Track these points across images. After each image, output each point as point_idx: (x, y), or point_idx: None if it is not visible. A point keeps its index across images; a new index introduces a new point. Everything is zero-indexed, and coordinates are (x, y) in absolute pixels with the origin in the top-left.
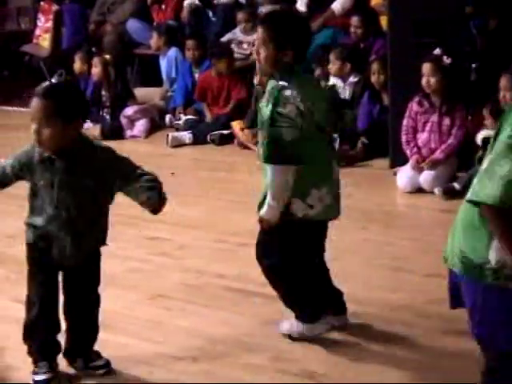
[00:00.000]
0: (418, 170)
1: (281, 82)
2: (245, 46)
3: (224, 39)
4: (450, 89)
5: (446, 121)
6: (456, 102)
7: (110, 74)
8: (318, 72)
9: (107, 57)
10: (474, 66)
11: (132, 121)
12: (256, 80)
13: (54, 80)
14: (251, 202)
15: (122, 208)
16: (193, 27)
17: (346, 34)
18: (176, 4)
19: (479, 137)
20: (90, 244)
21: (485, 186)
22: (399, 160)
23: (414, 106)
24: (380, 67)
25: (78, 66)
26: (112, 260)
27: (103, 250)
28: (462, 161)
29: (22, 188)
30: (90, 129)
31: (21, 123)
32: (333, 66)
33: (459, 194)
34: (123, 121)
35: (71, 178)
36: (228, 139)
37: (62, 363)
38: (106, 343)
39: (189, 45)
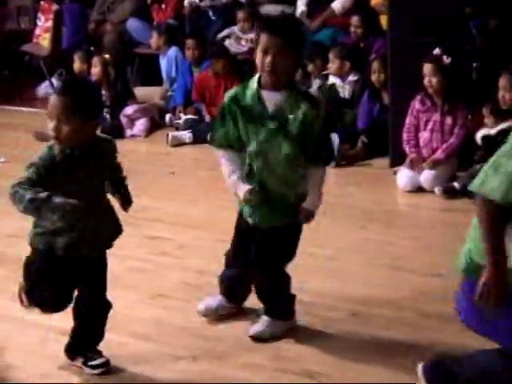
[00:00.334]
0: (414, 169)
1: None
2: (243, 42)
3: (222, 34)
4: (451, 88)
5: (448, 120)
6: (457, 102)
7: (109, 74)
8: (310, 68)
9: (107, 56)
10: (474, 65)
11: (132, 120)
12: None
13: (61, 78)
14: None
15: None
16: (193, 26)
17: (346, 34)
18: (176, 3)
19: (478, 135)
20: (108, 232)
21: (491, 180)
22: (399, 159)
23: (416, 104)
24: (380, 66)
25: (77, 65)
26: (112, 259)
27: None
28: (461, 160)
29: None
30: None
31: (21, 123)
32: (332, 65)
33: (459, 194)
34: (123, 120)
35: (93, 170)
36: None
37: (62, 361)
38: (106, 342)
39: (189, 44)
